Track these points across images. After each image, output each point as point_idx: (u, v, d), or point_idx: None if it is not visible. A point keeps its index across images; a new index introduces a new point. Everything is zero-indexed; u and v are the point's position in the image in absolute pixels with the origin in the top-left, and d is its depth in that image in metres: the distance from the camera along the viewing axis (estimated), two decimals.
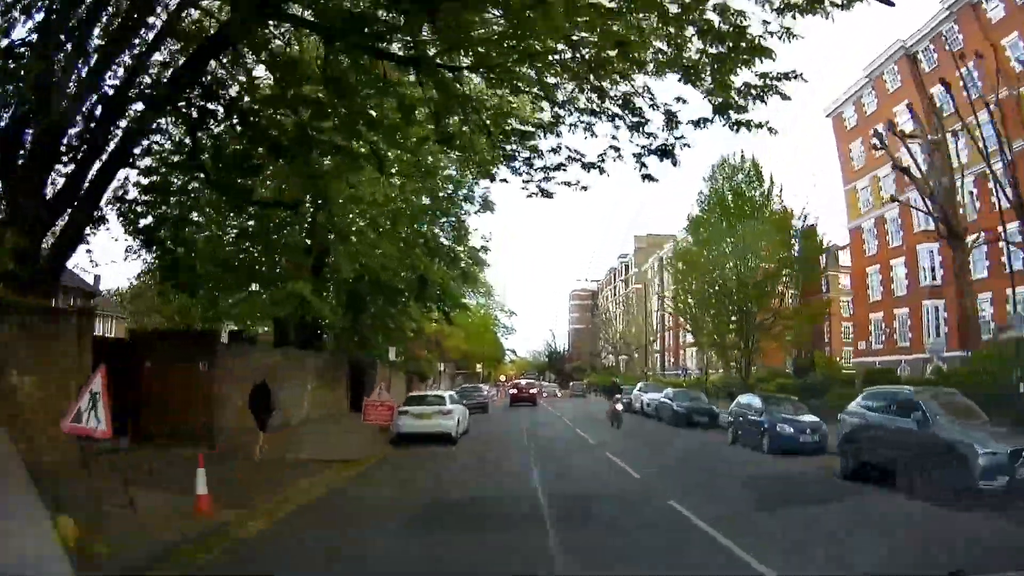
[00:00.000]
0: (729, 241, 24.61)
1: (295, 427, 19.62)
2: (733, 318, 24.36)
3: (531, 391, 43.36)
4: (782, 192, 26.24)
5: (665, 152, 10.10)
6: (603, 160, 10.71)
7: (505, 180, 13.60)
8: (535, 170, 11.99)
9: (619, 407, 22.33)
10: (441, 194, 22.61)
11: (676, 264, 25.97)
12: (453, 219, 22.89)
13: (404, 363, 27.82)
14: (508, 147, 12.09)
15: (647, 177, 10.68)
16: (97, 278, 44.80)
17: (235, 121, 12.44)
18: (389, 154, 14.06)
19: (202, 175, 13.34)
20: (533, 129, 11.36)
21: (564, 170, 11.85)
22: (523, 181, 12.61)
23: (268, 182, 16.60)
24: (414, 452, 16.02)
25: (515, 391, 43.42)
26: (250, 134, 11.68)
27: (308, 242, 19.45)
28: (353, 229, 15.03)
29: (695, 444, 18.82)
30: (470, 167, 15.12)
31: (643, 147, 10.32)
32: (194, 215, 17.56)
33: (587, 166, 10.94)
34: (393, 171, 15.06)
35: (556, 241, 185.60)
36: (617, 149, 10.56)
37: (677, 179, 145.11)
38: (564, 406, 40.87)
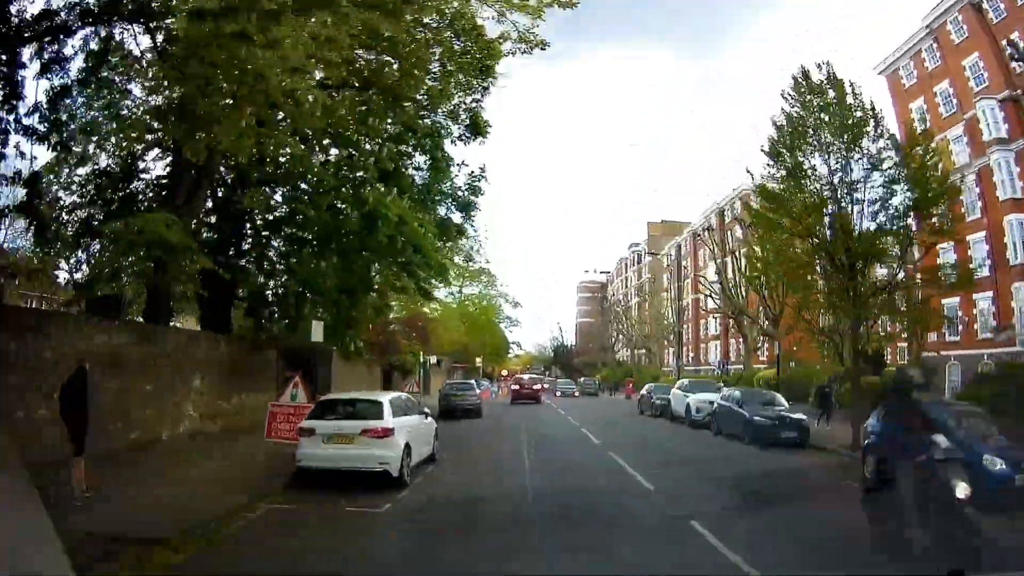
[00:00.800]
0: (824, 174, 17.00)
1: (163, 446, 12.44)
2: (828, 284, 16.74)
3: (534, 387, 41.03)
4: (882, 119, 18.65)
5: None
6: None
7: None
8: None
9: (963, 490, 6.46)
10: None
11: (754, 213, 18.08)
12: (426, 140, 15.28)
13: (362, 352, 20.10)
14: None
15: None
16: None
17: None
18: None
19: None
20: None
21: None
22: None
23: None
24: (312, 514, 8.41)
25: (517, 387, 40.96)
26: None
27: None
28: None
29: (827, 491, 11.06)
30: None
31: None
32: None
33: None
34: None
35: (562, 231, 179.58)
36: None
37: (679, 171, 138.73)
38: (578, 408, 33.48)
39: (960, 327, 34.57)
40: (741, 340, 41.19)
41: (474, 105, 16.61)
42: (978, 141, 32.70)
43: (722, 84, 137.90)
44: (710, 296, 43.88)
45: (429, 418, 12.12)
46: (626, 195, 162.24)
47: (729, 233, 45.34)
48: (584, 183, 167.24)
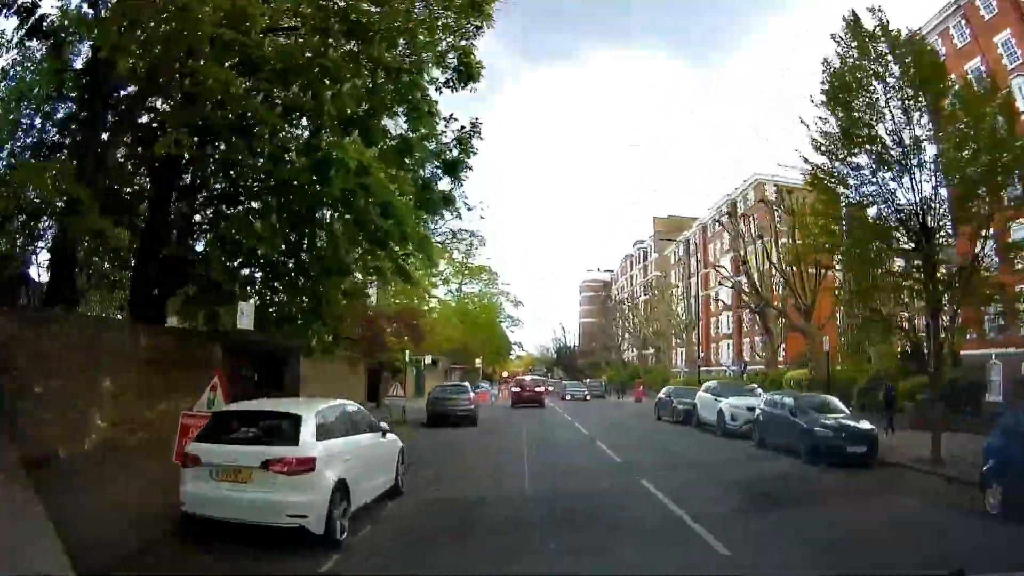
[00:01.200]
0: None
1: (54, 467, 9.43)
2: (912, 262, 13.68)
3: (536, 390, 38.16)
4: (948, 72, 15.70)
5: None
6: None
7: None
8: None
9: None
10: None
11: (812, 175, 14.87)
12: (403, 77, 12.19)
13: (332, 347, 16.93)
14: None
15: None
16: None
17: None
18: None
19: None
20: None
21: None
22: None
23: None
24: None
25: (518, 390, 38.37)
26: None
27: None
28: None
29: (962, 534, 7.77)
30: None
31: None
32: None
33: None
34: None
35: (562, 231, 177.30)
36: None
37: (679, 171, 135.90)
38: (586, 413, 30.29)
39: (1001, 322, 31.67)
40: (763, 336, 38.07)
41: (464, 44, 13.65)
42: (1018, 117, 30.32)
43: (722, 84, 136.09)
44: (732, 287, 40.79)
45: (388, 435, 8.83)
46: (626, 195, 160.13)
47: (744, 223, 42.33)
48: (584, 183, 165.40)
